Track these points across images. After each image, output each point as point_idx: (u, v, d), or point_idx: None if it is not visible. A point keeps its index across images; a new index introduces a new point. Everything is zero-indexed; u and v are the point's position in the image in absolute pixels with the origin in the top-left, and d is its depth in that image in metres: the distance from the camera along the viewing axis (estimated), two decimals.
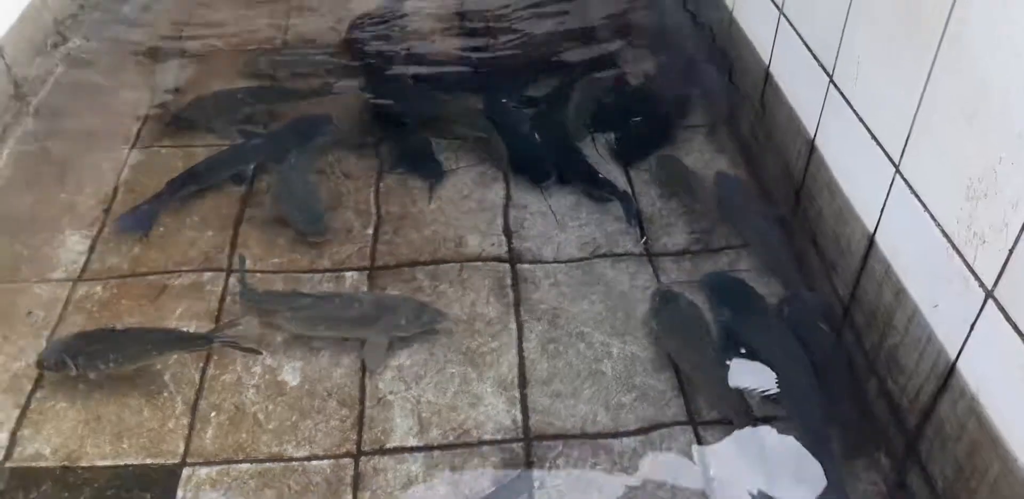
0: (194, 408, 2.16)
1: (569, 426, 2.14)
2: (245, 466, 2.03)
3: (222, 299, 2.48)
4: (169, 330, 2.29)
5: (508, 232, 2.76)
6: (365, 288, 2.53)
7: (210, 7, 4.01)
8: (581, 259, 2.65)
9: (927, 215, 1.89)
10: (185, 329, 2.33)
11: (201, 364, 2.28)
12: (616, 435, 2.11)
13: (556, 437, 2.11)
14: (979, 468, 1.71)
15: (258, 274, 2.57)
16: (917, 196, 1.94)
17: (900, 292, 2.01)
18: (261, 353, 2.27)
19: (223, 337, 2.20)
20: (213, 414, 2.15)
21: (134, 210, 2.77)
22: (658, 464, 2.05)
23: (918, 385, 1.93)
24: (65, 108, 3.33)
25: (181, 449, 2.07)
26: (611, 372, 2.27)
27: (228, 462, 2.04)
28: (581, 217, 2.83)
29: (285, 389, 2.22)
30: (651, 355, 2.32)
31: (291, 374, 2.26)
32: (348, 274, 2.59)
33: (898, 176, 2.02)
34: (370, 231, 2.75)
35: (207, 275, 2.56)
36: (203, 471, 2.02)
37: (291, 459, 2.05)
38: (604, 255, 2.67)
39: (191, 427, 2.12)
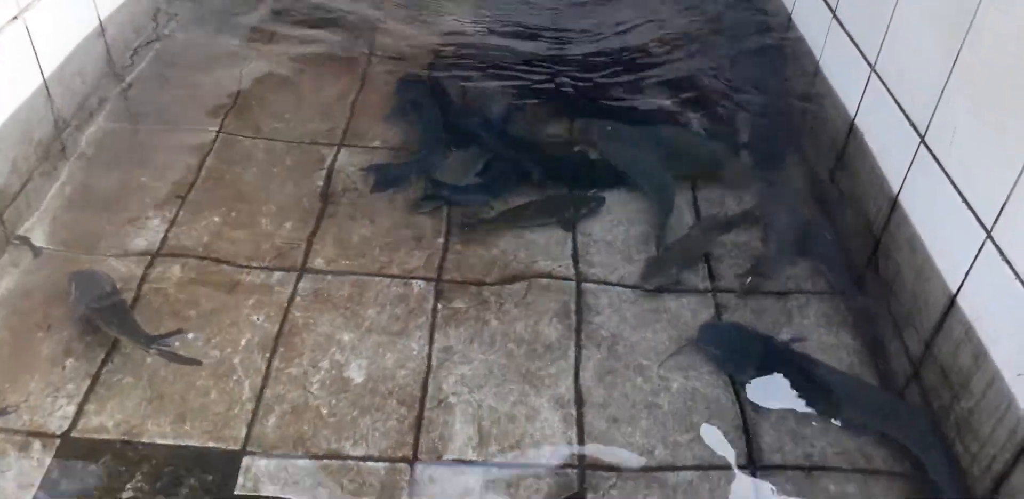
0: (259, 396, 2.19)
1: (625, 457, 2.13)
2: (303, 462, 2.04)
3: (291, 298, 2.51)
4: (131, 320, 2.31)
5: (576, 257, 2.77)
6: (432, 299, 2.56)
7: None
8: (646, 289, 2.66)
9: (1018, 283, 1.88)
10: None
11: (267, 354, 2.31)
12: (672, 469, 2.10)
13: (610, 468, 2.10)
14: None
15: (328, 276, 2.60)
16: (1009, 264, 1.93)
17: (981, 356, 1.99)
18: (200, 363, 2.25)
19: (163, 345, 2.22)
20: (276, 404, 2.17)
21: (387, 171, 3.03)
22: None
23: (992, 454, 1.90)
24: (156, 91, 3.42)
25: (243, 435, 2.09)
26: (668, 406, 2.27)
27: (286, 457, 2.05)
28: (649, 249, 2.84)
29: (349, 386, 2.24)
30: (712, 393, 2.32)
31: (356, 371, 2.28)
32: (415, 283, 2.61)
33: (989, 241, 2.02)
34: (440, 240, 2.78)
35: (277, 275, 2.59)
36: (263, 462, 2.03)
37: (348, 457, 2.06)
38: (667, 289, 2.67)
39: (254, 414, 2.14)
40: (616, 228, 2.92)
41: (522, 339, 2.45)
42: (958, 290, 2.14)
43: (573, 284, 2.65)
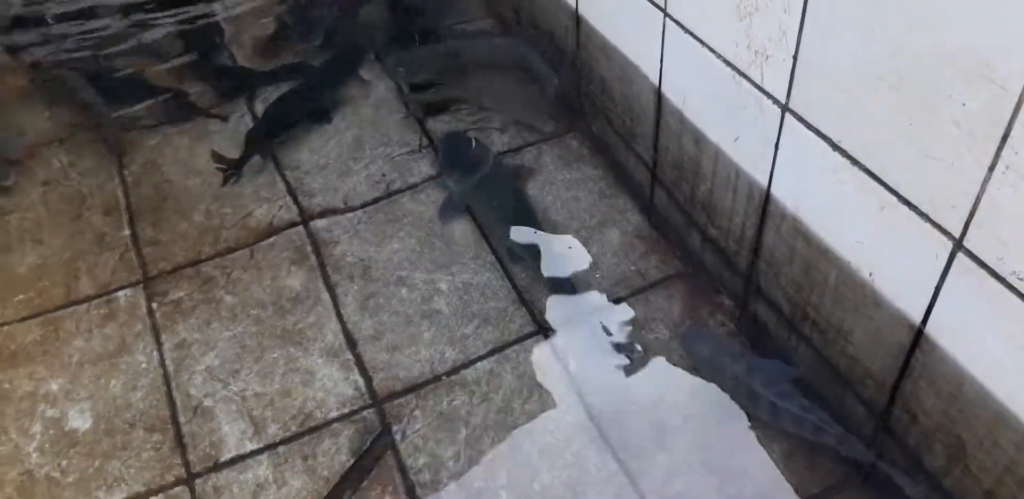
0: None
1: (416, 374, 1.92)
2: None
3: None
4: None
5: (292, 192, 2.43)
6: (143, 306, 2.15)
7: None
8: (377, 200, 2.38)
9: (705, 49, 1.75)
10: None
11: None
12: (467, 365, 1.92)
13: (407, 391, 1.89)
14: (818, 281, 1.65)
15: (3, 327, 2.10)
16: (691, 33, 1.80)
17: (699, 138, 1.89)
18: None
19: None
20: None
21: None
22: (517, 378, 1.89)
23: (740, 223, 1.84)
24: None
25: None
26: (447, 309, 2.06)
27: None
28: (364, 155, 2.54)
29: (76, 437, 1.85)
30: (483, 279, 2.13)
31: (79, 418, 1.88)
32: (119, 294, 2.18)
33: (667, 19, 1.87)
34: (126, 232, 2.34)
35: None
36: None
37: None
38: (400, 190, 2.40)
39: None
40: (325, 145, 2.58)
41: (265, 301, 2.12)
42: (660, 82, 2.01)
43: (301, 227, 2.32)
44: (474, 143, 2.49)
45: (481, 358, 1.93)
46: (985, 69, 1.10)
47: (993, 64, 1.09)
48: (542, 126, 2.50)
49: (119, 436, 1.84)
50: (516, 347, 1.94)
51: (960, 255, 1.27)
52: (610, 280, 2.09)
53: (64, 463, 1.79)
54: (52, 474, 1.78)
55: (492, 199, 2.29)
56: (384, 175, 2.45)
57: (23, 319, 2.12)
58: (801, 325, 1.77)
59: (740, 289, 1.95)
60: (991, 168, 1.15)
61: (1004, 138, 1.11)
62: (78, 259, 2.26)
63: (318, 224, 2.32)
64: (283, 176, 2.49)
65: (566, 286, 2.05)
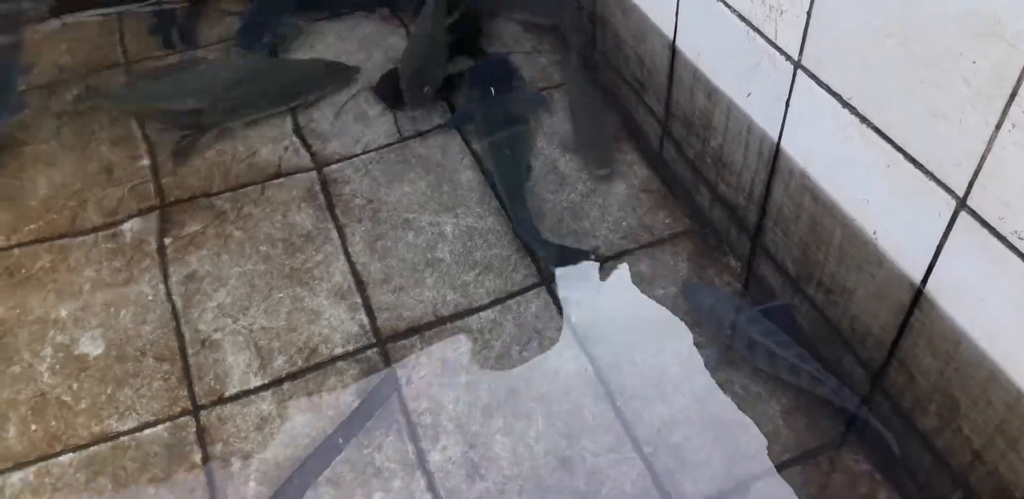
0: None
1: (419, 314, 1.96)
2: (66, 457, 1.74)
3: None
4: None
5: (301, 134, 2.44)
6: (155, 233, 2.19)
7: None
8: (389, 145, 2.39)
9: (720, 4, 1.74)
10: None
11: None
12: (470, 312, 1.95)
13: (410, 332, 1.93)
14: (823, 239, 1.66)
15: (15, 250, 2.15)
16: None
17: (712, 92, 1.89)
18: None
19: None
20: (11, 410, 1.82)
21: None
22: (520, 327, 1.92)
23: (749, 178, 1.85)
24: None
25: None
26: (449, 256, 2.09)
27: (44, 458, 1.74)
28: (381, 105, 2.54)
29: (87, 362, 1.90)
30: (488, 225, 2.15)
31: (91, 344, 1.94)
32: (128, 224, 2.22)
33: None
34: (145, 162, 2.37)
35: None
36: (16, 477, 1.71)
37: (119, 435, 1.77)
38: (412, 136, 2.42)
39: None
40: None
41: (274, 238, 2.16)
42: (674, 36, 2.00)
43: (313, 170, 2.34)
44: (508, 66, 2.53)
45: (484, 308, 1.96)
46: (995, 26, 1.09)
47: (1003, 21, 1.08)
48: (595, 169, 2.27)
49: (130, 364, 1.89)
50: (519, 298, 1.97)
51: (963, 214, 1.28)
52: (616, 233, 2.11)
53: (75, 387, 1.85)
54: (64, 397, 1.84)
55: (500, 134, 2.31)
56: (399, 127, 2.46)
57: (29, 243, 2.17)
58: (805, 284, 1.79)
59: (746, 248, 1.97)
60: (998, 126, 1.16)
61: (1012, 96, 1.11)
62: (93, 184, 2.32)
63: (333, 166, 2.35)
64: (295, 118, 2.50)
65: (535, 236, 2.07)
